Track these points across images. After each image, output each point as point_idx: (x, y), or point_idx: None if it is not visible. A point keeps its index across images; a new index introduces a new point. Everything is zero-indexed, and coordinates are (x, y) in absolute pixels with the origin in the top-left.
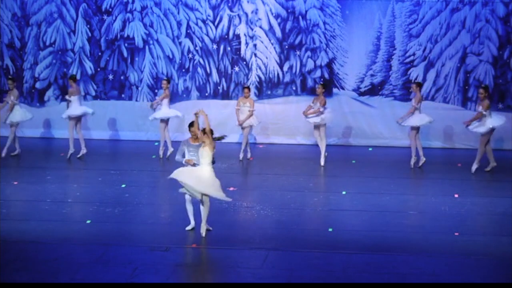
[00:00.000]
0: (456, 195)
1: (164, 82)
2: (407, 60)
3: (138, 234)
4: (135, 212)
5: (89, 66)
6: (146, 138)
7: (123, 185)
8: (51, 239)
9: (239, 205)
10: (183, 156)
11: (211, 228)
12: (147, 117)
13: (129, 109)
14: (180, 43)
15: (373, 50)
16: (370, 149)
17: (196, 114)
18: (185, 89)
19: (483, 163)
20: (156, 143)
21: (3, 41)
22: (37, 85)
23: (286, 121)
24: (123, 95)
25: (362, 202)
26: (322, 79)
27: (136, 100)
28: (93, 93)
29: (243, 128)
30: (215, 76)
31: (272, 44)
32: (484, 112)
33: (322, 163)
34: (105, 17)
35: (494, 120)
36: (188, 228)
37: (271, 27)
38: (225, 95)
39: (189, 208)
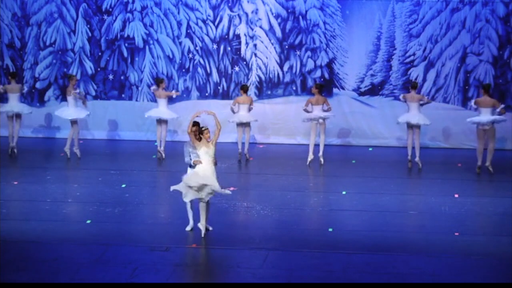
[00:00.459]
0: (456, 195)
1: (163, 81)
2: (407, 60)
3: (138, 234)
4: (135, 212)
5: (89, 66)
6: (146, 138)
7: (123, 185)
8: (51, 239)
9: (239, 205)
10: (190, 157)
11: (211, 228)
12: (147, 117)
13: (129, 109)
14: (180, 43)
15: (373, 50)
16: (370, 149)
17: (198, 115)
18: (185, 89)
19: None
20: (156, 143)
21: (3, 41)
22: (37, 85)
23: (286, 121)
24: (123, 95)
25: (362, 202)
26: (322, 79)
27: (136, 100)
28: (93, 93)
29: (243, 125)
30: (215, 76)
31: (272, 44)
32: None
33: (321, 152)
34: (105, 17)
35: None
36: (188, 228)
37: (271, 27)
38: (225, 95)
39: (190, 209)
